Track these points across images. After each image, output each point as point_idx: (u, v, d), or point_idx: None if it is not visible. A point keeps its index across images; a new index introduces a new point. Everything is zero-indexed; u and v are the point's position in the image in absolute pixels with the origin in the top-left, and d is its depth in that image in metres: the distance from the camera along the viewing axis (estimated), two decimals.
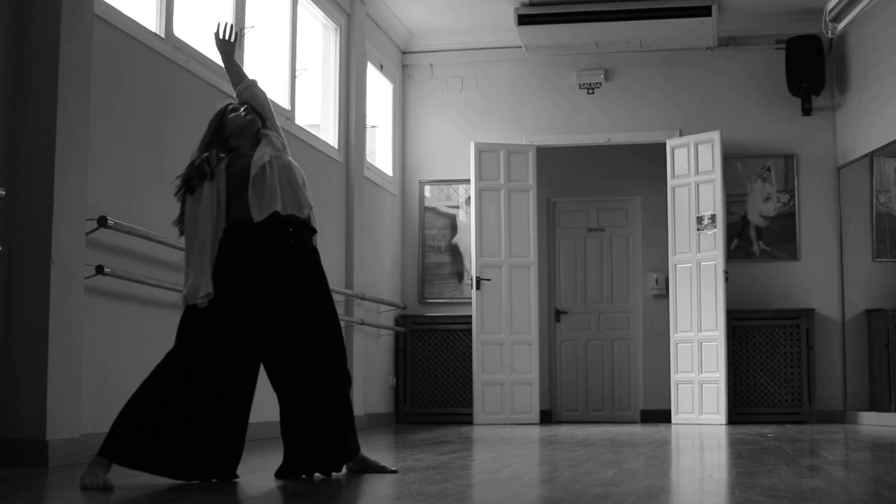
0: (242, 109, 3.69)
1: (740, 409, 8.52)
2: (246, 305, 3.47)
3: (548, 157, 9.41)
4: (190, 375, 3.38)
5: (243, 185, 3.53)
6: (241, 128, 3.65)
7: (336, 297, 7.59)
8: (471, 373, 8.80)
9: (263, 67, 6.81)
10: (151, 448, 3.32)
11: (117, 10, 4.90)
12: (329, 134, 7.89)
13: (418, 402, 8.98)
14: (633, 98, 9.18)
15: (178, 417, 3.35)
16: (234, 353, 3.46)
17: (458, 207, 9.33)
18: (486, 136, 9.15)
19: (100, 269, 4.51)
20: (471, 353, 8.81)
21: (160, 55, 5.26)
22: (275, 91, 6.88)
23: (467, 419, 8.74)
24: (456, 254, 9.27)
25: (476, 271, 8.75)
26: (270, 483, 3.43)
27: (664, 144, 8.89)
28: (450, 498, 2.93)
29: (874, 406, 8.24)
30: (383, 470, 3.69)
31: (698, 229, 8.53)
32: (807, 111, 8.75)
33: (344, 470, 3.68)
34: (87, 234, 4.46)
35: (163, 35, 5.35)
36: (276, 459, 4.39)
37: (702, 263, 8.49)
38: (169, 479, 3.39)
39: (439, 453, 4.80)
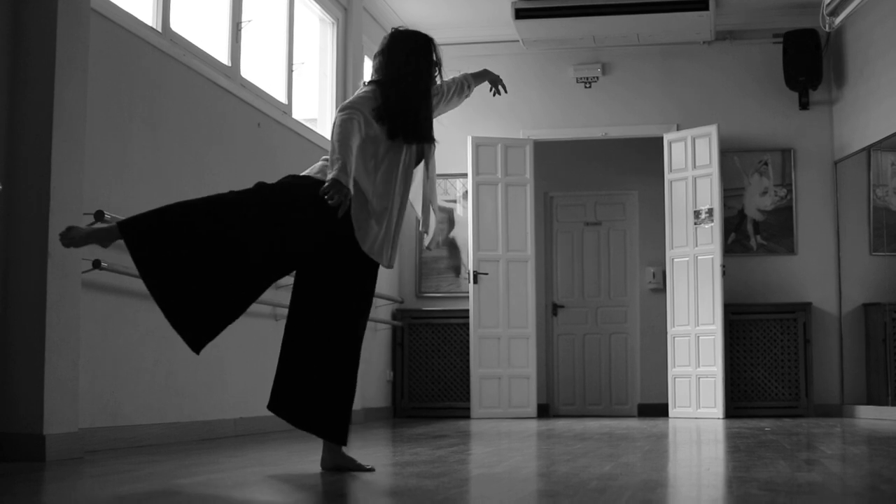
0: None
1: (737, 402, 8.53)
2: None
3: (545, 151, 9.40)
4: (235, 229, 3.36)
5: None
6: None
7: None
8: (468, 367, 8.80)
9: (260, 61, 6.80)
10: (171, 265, 3.30)
11: (114, 4, 4.89)
12: (326, 128, 7.88)
13: (415, 397, 8.98)
14: (630, 92, 9.18)
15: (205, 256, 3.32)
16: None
17: (455, 201, 9.33)
18: (483, 130, 9.14)
19: (96, 264, 4.50)
20: (468, 348, 8.81)
21: (157, 49, 5.25)
22: (272, 85, 6.87)
23: (464, 413, 8.74)
24: (453, 248, 9.26)
25: (473, 265, 8.75)
26: (269, 475, 3.43)
27: (661, 138, 8.89)
28: (447, 492, 2.94)
29: (871, 400, 8.26)
30: (360, 468, 3.56)
31: (695, 223, 8.53)
32: (804, 105, 8.75)
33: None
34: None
35: (160, 29, 5.34)
36: (275, 453, 4.40)
37: (699, 257, 8.49)
38: (159, 307, 3.33)
39: (436, 447, 4.80)
